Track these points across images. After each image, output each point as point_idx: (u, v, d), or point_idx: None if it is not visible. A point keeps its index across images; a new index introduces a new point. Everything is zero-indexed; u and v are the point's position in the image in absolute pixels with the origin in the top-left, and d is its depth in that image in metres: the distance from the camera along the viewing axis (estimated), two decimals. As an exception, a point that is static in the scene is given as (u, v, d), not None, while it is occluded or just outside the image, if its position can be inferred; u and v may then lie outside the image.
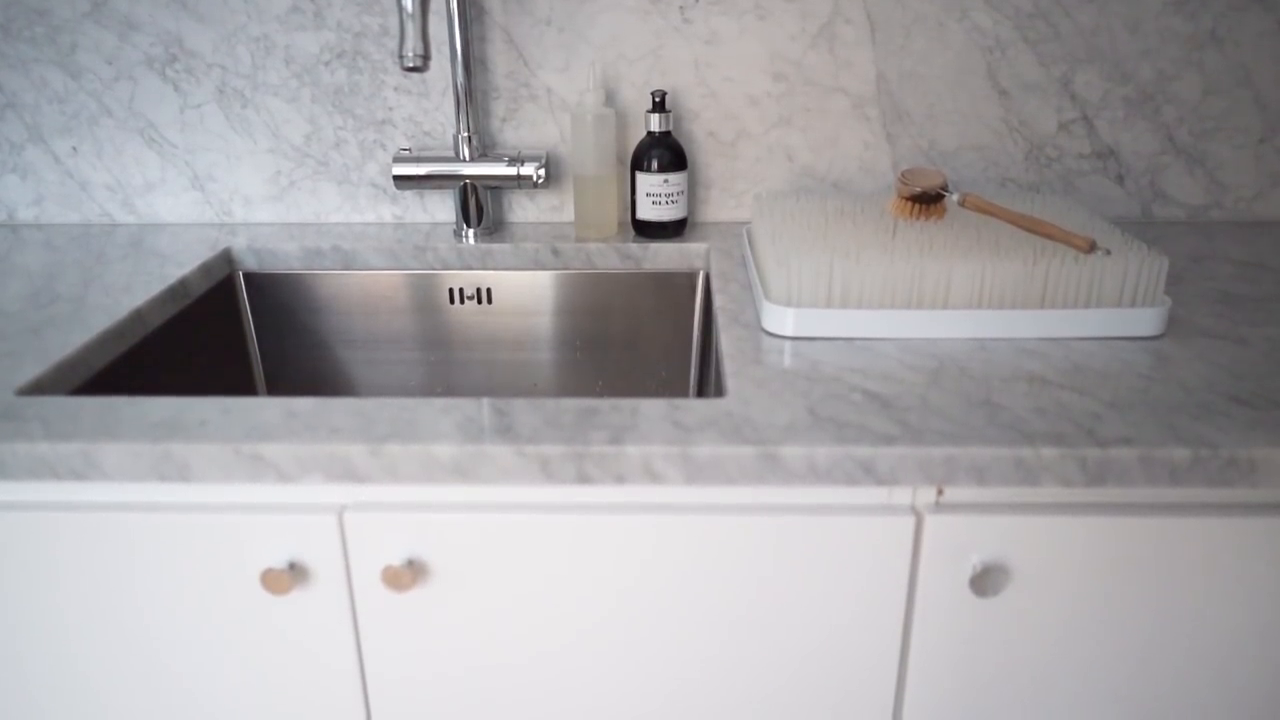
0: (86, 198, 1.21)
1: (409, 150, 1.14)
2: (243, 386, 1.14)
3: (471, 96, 1.11)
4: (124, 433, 0.70)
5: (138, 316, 0.94)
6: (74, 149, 1.18)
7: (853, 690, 0.78)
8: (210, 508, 0.73)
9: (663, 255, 1.12)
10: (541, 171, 1.11)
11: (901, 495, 0.73)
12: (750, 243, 1.05)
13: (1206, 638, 0.76)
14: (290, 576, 0.73)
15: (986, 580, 0.72)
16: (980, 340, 0.85)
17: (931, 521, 0.72)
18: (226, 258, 1.12)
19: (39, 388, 0.80)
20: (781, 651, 0.77)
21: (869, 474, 0.69)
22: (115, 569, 0.75)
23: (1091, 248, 0.86)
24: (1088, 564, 0.73)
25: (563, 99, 1.15)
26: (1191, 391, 0.76)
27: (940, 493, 0.73)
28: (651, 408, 0.74)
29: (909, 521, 0.72)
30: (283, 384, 1.16)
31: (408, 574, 0.72)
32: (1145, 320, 0.85)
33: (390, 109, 1.16)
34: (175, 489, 0.74)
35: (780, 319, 0.86)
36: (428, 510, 0.72)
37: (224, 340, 1.12)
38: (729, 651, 0.77)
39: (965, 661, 0.77)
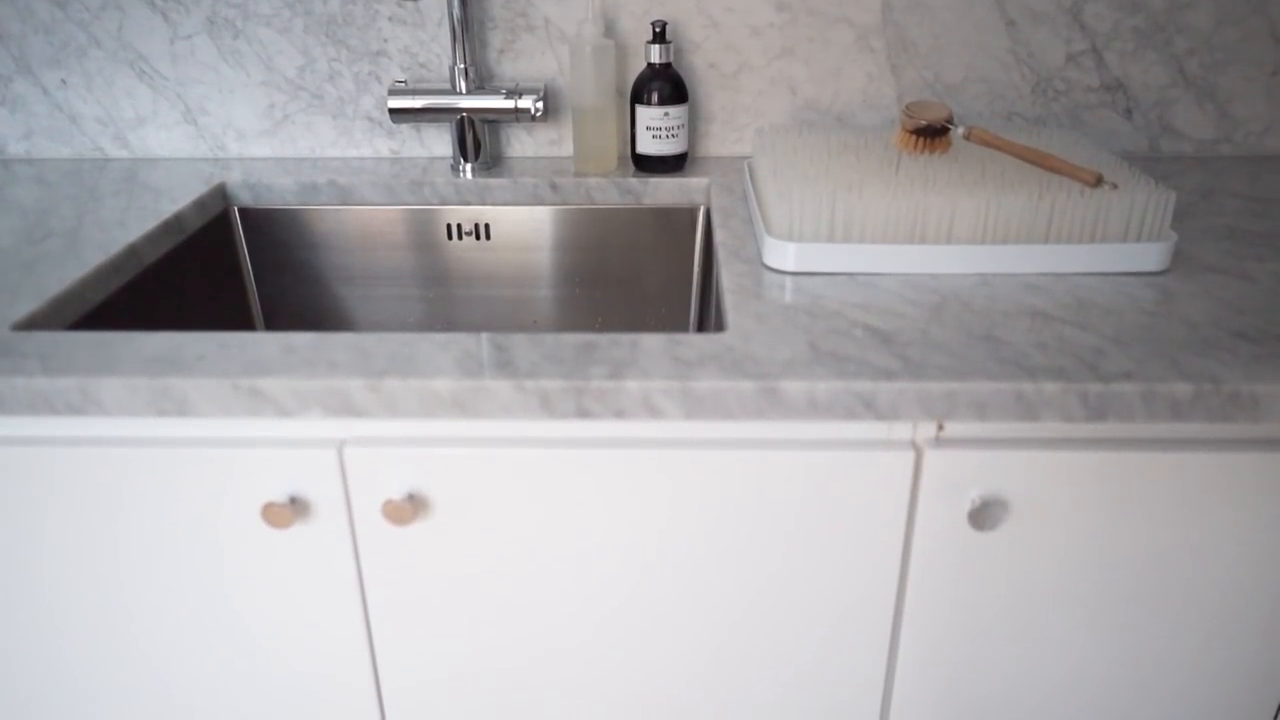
0: (77, 131, 1.19)
1: (404, 83, 1.12)
2: (240, 323, 1.14)
3: (468, 27, 1.08)
4: (121, 367, 0.70)
5: (132, 252, 0.93)
6: (63, 81, 1.16)
7: (851, 622, 0.79)
8: (210, 442, 0.73)
9: (663, 190, 1.11)
10: (539, 104, 1.09)
11: (902, 430, 0.73)
12: (751, 177, 1.03)
13: (1204, 572, 0.76)
14: (291, 510, 0.73)
15: (985, 514, 0.72)
16: (983, 275, 0.84)
17: (931, 456, 0.72)
18: (221, 193, 1.11)
19: (34, 323, 0.79)
20: (780, 585, 0.77)
21: (869, 409, 0.68)
22: (115, 503, 0.75)
23: (1098, 182, 0.84)
24: (1087, 498, 0.73)
25: (561, 30, 1.13)
26: (1195, 327, 0.75)
27: (940, 428, 0.72)
28: (651, 342, 0.73)
29: (909, 456, 0.72)
30: (280, 321, 1.16)
31: (408, 508, 0.72)
32: (1150, 255, 0.84)
33: (385, 40, 1.13)
34: (174, 424, 0.74)
35: (781, 254, 0.85)
36: (428, 445, 0.72)
37: (220, 277, 1.11)
38: (727, 585, 0.77)
39: (962, 595, 0.77)
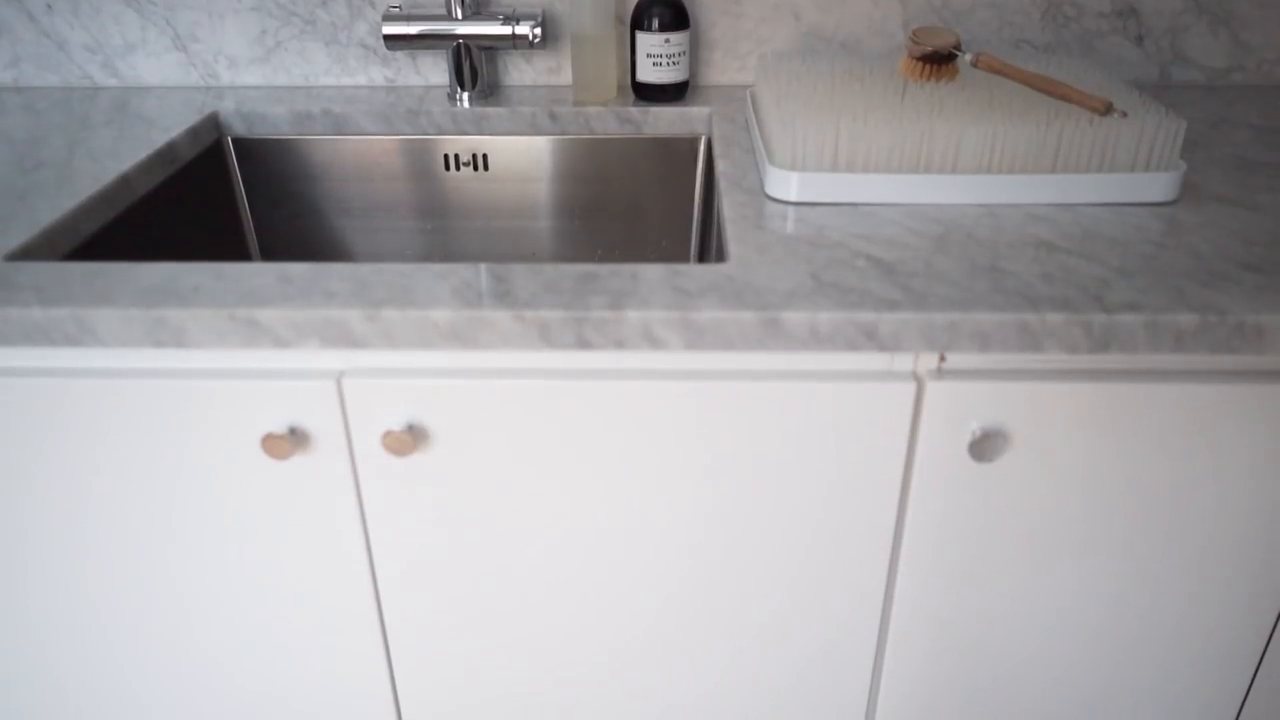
0: (65, 59, 1.16)
1: (399, 8, 1.09)
2: (236, 256, 1.13)
3: (463, -51, 1.05)
4: (116, 298, 0.69)
5: (125, 182, 0.92)
6: (49, 6, 1.13)
7: (849, 553, 0.79)
8: (208, 374, 0.73)
9: (663, 120, 1.09)
10: (537, 30, 1.07)
11: (903, 361, 0.72)
12: (754, 106, 1.01)
13: (1204, 503, 0.77)
14: (291, 442, 0.73)
15: (986, 445, 0.72)
16: (988, 206, 0.83)
17: (933, 388, 0.72)
18: (214, 122, 1.09)
19: (28, 253, 0.78)
20: (779, 516, 0.77)
21: (871, 340, 0.68)
22: (114, 435, 0.75)
23: (1107, 110, 0.83)
24: (1088, 430, 0.73)
25: (559, -48, 1.10)
26: (1202, 258, 0.74)
27: (942, 359, 0.72)
28: (651, 273, 0.72)
29: (910, 388, 0.72)
30: (277, 253, 1.14)
31: (408, 439, 0.72)
32: (1159, 185, 0.83)
33: (378, -37, 1.10)
34: (172, 355, 0.74)
35: (784, 184, 0.84)
36: (427, 376, 0.72)
37: (215, 209, 1.09)
38: (728, 516, 0.78)
39: (961, 525, 0.78)
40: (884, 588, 0.81)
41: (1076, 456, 0.74)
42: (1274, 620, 0.83)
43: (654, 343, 0.68)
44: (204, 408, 0.73)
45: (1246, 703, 0.88)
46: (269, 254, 1.15)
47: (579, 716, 0.89)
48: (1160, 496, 0.76)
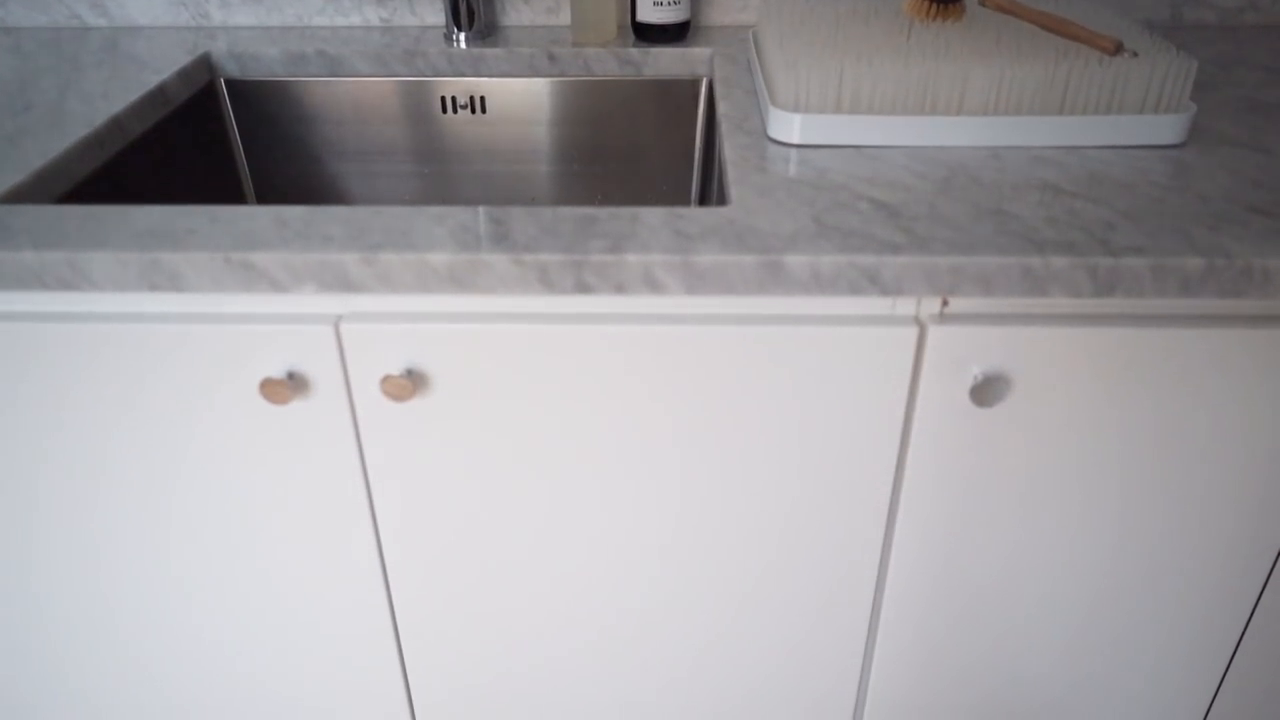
0: (54, -2, 1.14)
1: (393, -55, 1.07)
2: (231, 201, 1.11)
3: (458, -117, 1.02)
4: (111, 241, 0.69)
5: (116, 124, 0.90)
6: (35, -57, 1.10)
7: (849, 498, 0.79)
8: (205, 318, 0.72)
9: (664, 61, 1.07)
10: (535, -31, 1.04)
11: (905, 306, 0.72)
12: (756, 46, 0.99)
13: (1207, 449, 0.77)
14: (290, 387, 0.72)
15: (987, 390, 0.72)
16: (994, 148, 0.82)
17: (935, 332, 0.71)
18: (206, 63, 1.07)
19: (19, 196, 0.77)
20: (780, 461, 0.77)
21: (874, 283, 0.67)
22: (110, 380, 0.74)
23: (1117, 49, 0.81)
24: (1090, 375, 0.73)
25: (557, -113, 1.07)
26: (1209, 201, 0.73)
27: (945, 303, 0.71)
28: (652, 216, 0.71)
29: (912, 332, 0.71)
30: (272, 199, 1.13)
31: (407, 384, 0.72)
32: (1167, 128, 0.81)
33: (371, -102, 1.08)
34: (168, 299, 0.73)
35: (786, 125, 0.82)
36: (426, 321, 0.71)
37: (209, 152, 1.08)
38: (728, 461, 0.78)
39: (961, 471, 0.78)
40: (883, 533, 0.81)
41: (1078, 402, 0.74)
42: (1271, 564, 0.83)
43: (654, 286, 0.68)
44: (201, 352, 0.73)
45: (1239, 648, 0.89)
46: (264, 199, 1.13)
47: (585, 663, 0.90)
48: (1162, 442, 0.76)
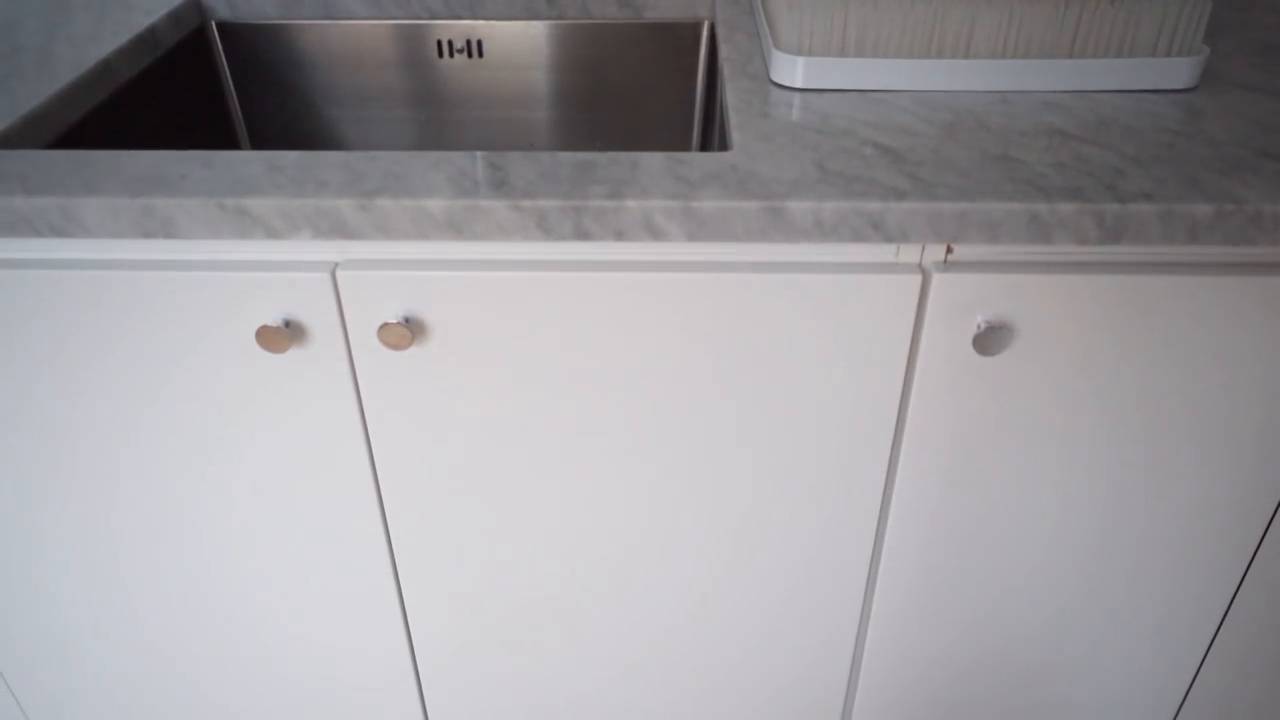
0: (40, -62, 1.11)
1: (387, -118, 1.04)
2: (224, 147, 1.10)
3: None
4: (102, 187, 0.67)
5: (106, 68, 0.88)
6: (18, -120, 1.07)
7: (849, 448, 0.79)
8: (200, 265, 0.71)
9: (664, 3, 1.04)
10: (533, -93, 1.02)
11: (909, 253, 0.71)
12: (759, -12, 0.97)
13: (1212, 398, 0.76)
14: (287, 335, 0.72)
15: (990, 339, 0.71)
16: (1002, 93, 0.80)
17: (938, 280, 0.70)
18: (197, 5, 1.04)
19: (8, 141, 0.76)
20: (780, 409, 0.77)
21: (877, 230, 0.66)
22: (104, 328, 0.74)
23: (1130, -10, 0.79)
24: (1094, 323, 0.72)
25: None
26: (1220, 146, 0.72)
27: (949, 250, 0.70)
28: (652, 161, 0.70)
29: (915, 280, 0.70)
30: (266, 145, 1.11)
31: (405, 332, 0.71)
32: (1179, 71, 0.80)
33: None
34: (162, 246, 0.72)
35: (790, 69, 0.81)
36: (423, 268, 0.71)
37: (201, 98, 1.06)
38: (728, 410, 0.77)
39: (963, 420, 0.77)
40: (883, 482, 0.81)
41: (1082, 350, 0.74)
42: (1271, 513, 0.83)
43: (654, 233, 0.67)
44: (197, 300, 0.72)
45: (1236, 599, 0.89)
46: (258, 145, 1.12)
47: (586, 608, 0.90)
48: (1166, 391, 0.76)
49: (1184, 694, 0.97)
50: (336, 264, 0.71)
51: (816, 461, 0.80)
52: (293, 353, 0.75)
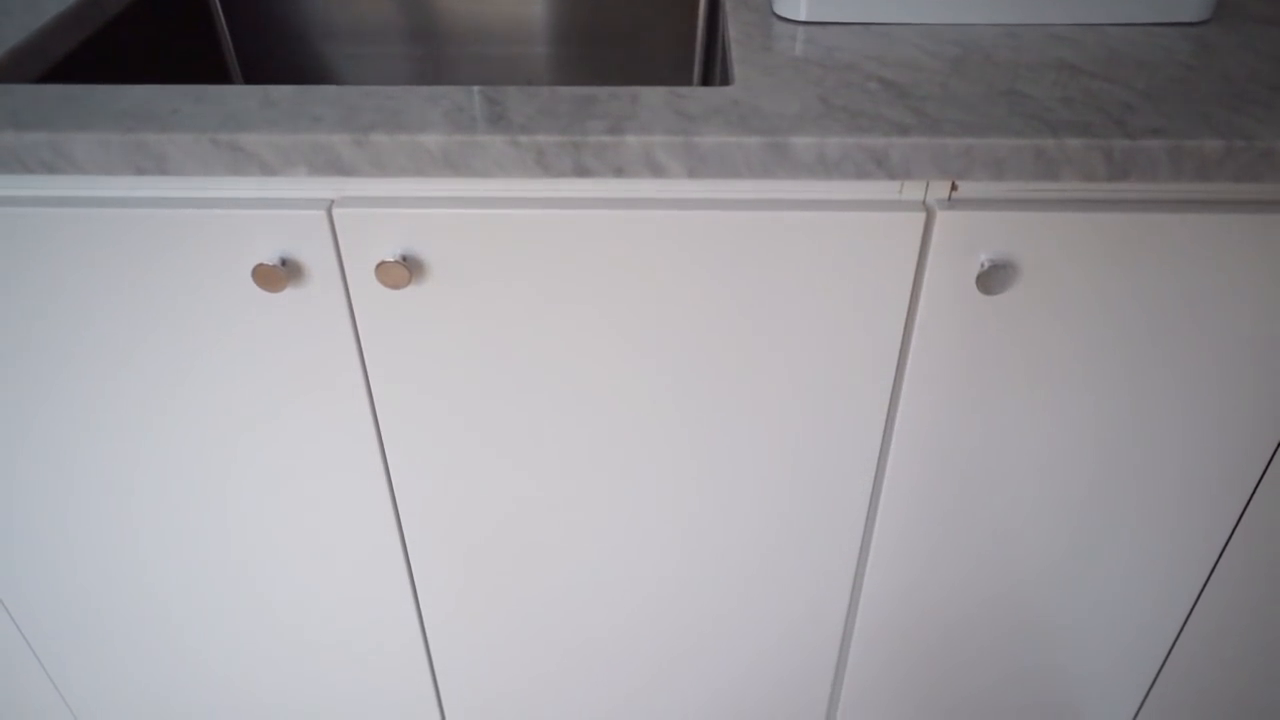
0: None
1: None
2: (216, 83, 1.08)
3: None
4: (93, 122, 0.66)
5: (94, 0, 0.86)
6: None
7: (851, 386, 0.79)
8: (195, 202, 0.71)
9: (666, -65, 1.02)
10: None
11: (913, 190, 0.70)
12: (763, -82, 0.94)
13: (1216, 337, 0.76)
14: (284, 274, 0.71)
15: (994, 278, 0.71)
16: (1009, 26, 0.78)
17: (942, 217, 0.69)
18: (186, -64, 1.02)
19: (-4, 75, 0.74)
20: (781, 347, 0.77)
21: (881, 166, 0.65)
22: (98, 265, 0.73)
23: (1144, -82, 0.77)
24: (1099, 261, 0.71)
25: None
26: (1232, 81, 0.70)
27: (954, 187, 0.70)
28: (653, 96, 0.69)
29: (919, 217, 0.69)
30: (260, 80, 1.09)
31: (403, 271, 0.71)
32: (1191, 3, 0.78)
33: None
34: (157, 183, 0.71)
35: (793, 1, 0.79)
36: (421, 205, 0.70)
37: (193, 34, 1.04)
38: (728, 347, 0.77)
39: (965, 359, 0.77)
40: (884, 420, 0.81)
41: (1086, 289, 0.73)
42: (1271, 451, 0.83)
43: (655, 169, 0.66)
44: (192, 238, 0.71)
45: (1232, 538, 0.90)
46: (251, 81, 1.10)
47: (586, 544, 0.91)
48: (1170, 331, 0.75)
49: (1175, 634, 0.98)
50: (333, 201, 0.70)
51: (817, 399, 0.80)
52: (290, 292, 0.74)
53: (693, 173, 0.66)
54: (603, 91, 0.69)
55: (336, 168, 0.66)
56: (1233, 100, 0.68)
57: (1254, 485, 0.85)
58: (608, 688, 1.04)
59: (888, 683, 1.03)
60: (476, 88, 0.70)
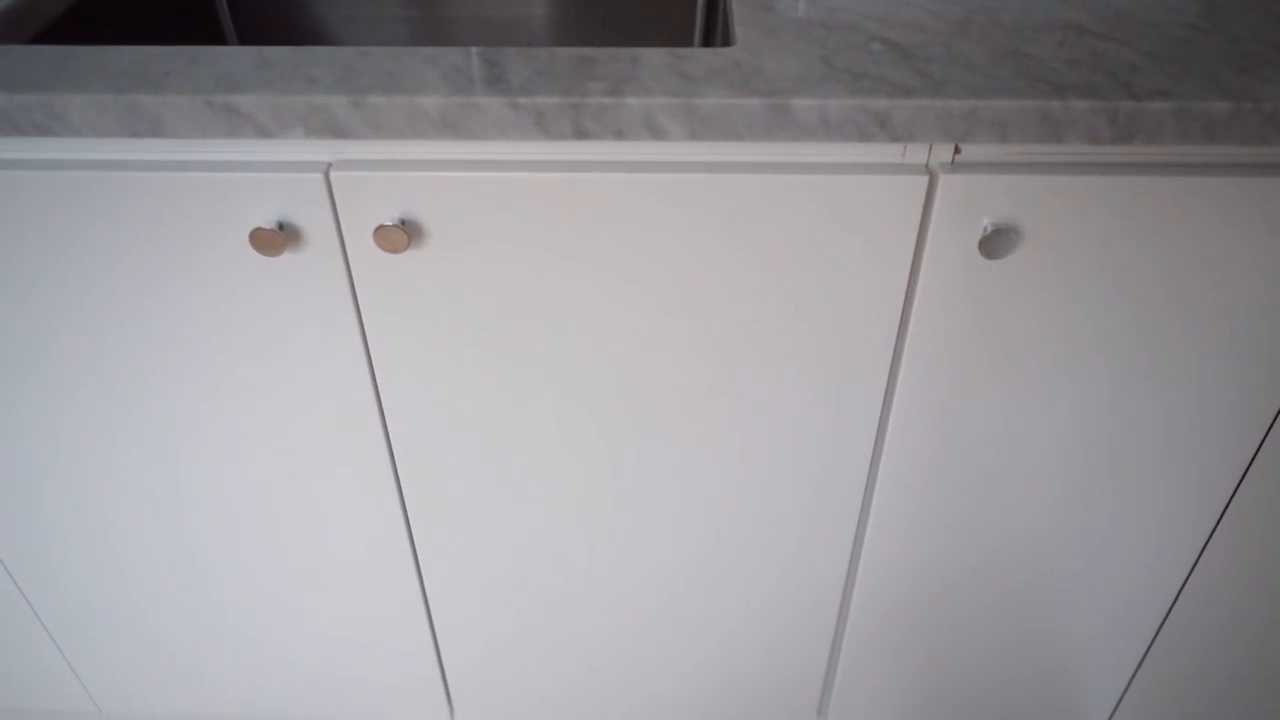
0: None
1: None
2: (212, 44, 1.06)
3: None
4: (86, 83, 0.65)
5: (87, -41, 0.85)
6: None
7: (851, 352, 0.79)
8: (191, 165, 0.70)
9: (667, -108, 1.00)
10: None
11: (916, 153, 0.69)
12: (766, -125, 0.93)
13: (1220, 302, 0.75)
14: (281, 237, 0.71)
15: (997, 242, 0.70)
16: (1015, -14, 0.77)
17: (946, 180, 0.69)
18: (178, -106, 1.00)
19: (-12, 36, 0.74)
20: (782, 311, 0.76)
21: (884, 129, 0.65)
22: (94, 228, 0.72)
23: (1154, -125, 0.76)
24: (1103, 225, 0.71)
25: None
26: (1240, 41, 0.70)
27: (957, 150, 0.69)
28: (653, 57, 0.68)
29: (922, 180, 0.69)
30: (255, 41, 1.08)
31: (401, 234, 0.70)
32: (1201, -37, 0.77)
33: None
34: (152, 146, 0.70)
35: (796, -39, 0.78)
36: (419, 168, 0.69)
37: (188, -7, 1.02)
38: (729, 311, 0.76)
39: (966, 325, 0.77)
40: (885, 384, 0.81)
41: (1089, 253, 0.72)
42: (1271, 419, 0.83)
43: (655, 131, 0.65)
44: (190, 201, 0.71)
45: (1231, 503, 0.90)
46: (246, 42, 1.08)
47: (590, 520, 0.91)
48: (1173, 295, 0.75)
49: (1174, 597, 0.99)
50: (330, 164, 0.70)
51: (819, 364, 0.80)
52: (288, 256, 0.74)
53: (693, 135, 0.65)
54: (602, 53, 0.68)
55: (333, 130, 0.66)
56: (1241, 61, 0.67)
57: (1256, 446, 0.85)
58: (600, 645, 1.05)
59: (886, 643, 1.04)
60: (475, 49, 0.69)
